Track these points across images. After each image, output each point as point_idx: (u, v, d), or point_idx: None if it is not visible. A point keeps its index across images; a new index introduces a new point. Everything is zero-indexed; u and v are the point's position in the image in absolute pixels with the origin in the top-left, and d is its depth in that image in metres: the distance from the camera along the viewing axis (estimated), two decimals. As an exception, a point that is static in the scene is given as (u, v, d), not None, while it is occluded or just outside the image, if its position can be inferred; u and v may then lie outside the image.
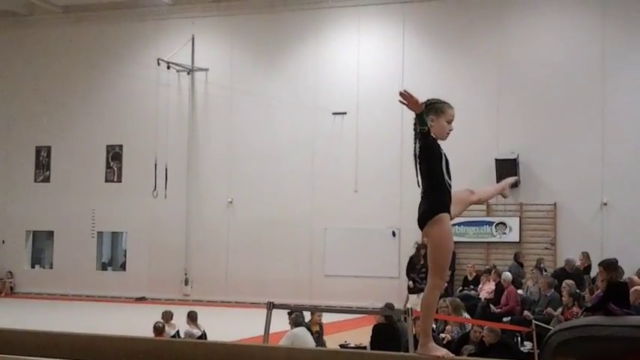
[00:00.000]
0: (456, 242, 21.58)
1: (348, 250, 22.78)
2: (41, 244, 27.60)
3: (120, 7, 26.06)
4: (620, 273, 8.95)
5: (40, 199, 26.50)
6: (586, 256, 19.41)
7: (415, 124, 4.64)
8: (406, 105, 4.48)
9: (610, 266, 8.41)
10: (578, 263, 18.98)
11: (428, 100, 4.76)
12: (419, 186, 4.68)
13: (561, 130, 21.42)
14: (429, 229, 4.59)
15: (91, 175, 26.01)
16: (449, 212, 4.62)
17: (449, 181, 4.67)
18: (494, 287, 16.64)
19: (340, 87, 23.43)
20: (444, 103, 4.79)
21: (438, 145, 4.69)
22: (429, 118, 4.65)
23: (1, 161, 27.34)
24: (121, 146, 25.97)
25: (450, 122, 4.76)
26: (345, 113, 23.41)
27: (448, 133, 4.76)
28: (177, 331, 13.21)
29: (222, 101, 24.72)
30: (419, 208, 4.65)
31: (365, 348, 11.59)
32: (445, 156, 4.69)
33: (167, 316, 13.48)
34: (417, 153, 4.65)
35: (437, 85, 21.50)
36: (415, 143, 4.66)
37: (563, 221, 21.28)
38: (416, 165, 4.67)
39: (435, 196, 4.61)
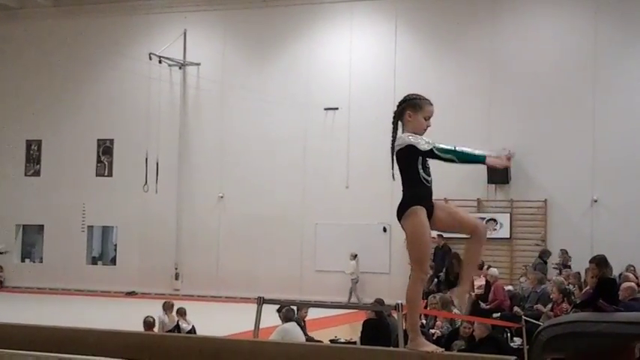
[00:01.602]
0: (446, 238, 21.71)
1: (338, 246, 22.78)
2: (31, 238, 27.52)
3: (111, 1, 25.98)
4: (610, 269, 8.98)
5: (30, 193, 26.41)
6: (564, 253, 19.48)
7: (394, 118, 4.79)
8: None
9: (601, 262, 8.44)
10: (558, 260, 19.05)
11: (407, 96, 4.85)
12: (394, 179, 4.78)
13: (553, 128, 21.47)
14: (403, 223, 4.71)
15: (81, 169, 25.94)
16: (424, 205, 4.67)
17: (425, 176, 4.72)
18: (483, 283, 16.65)
19: (332, 82, 23.42)
20: (423, 99, 4.86)
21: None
22: (406, 114, 4.75)
23: (-8, 155, 27.26)
24: (112, 140, 25.91)
25: (427, 119, 4.83)
26: (336, 109, 23.41)
27: (425, 129, 4.82)
28: (176, 325, 13.19)
29: (213, 96, 24.68)
30: None
31: (355, 343, 11.60)
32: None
33: (168, 306, 13.50)
34: (395, 148, 4.74)
35: (429, 81, 21.54)
36: (393, 137, 4.76)
37: (554, 218, 21.34)
38: (392, 158, 4.75)
39: (410, 190, 4.70)
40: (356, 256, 22.38)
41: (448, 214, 4.82)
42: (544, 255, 19.43)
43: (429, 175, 4.77)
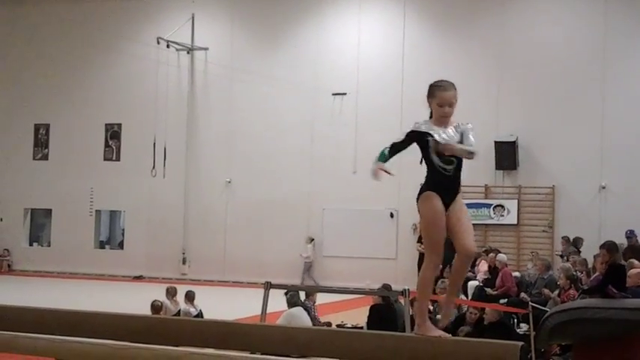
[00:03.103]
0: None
1: (346, 231, 22.81)
2: (39, 222, 27.63)
3: (119, -15, 25.95)
4: (620, 256, 8.96)
5: (38, 177, 26.48)
6: (566, 240, 19.37)
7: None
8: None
9: (612, 248, 8.42)
10: (561, 248, 18.88)
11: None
12: None
13: (561, 113, 21.39)
14: (418, 207, 4.73)
15: (89, 154, 25.98)
16: (440, 193, 4.66)
17: (441, 164, 4.70)
18: (486, 269, 16.62)
19: (340, 68, 23.36)
20: (435, 85, 4.80)
21: (428, 133, 4.72)
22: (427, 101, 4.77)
23: (0, 139, 27.30)
24: (119, 125, 25.94)
25: (441, 105, 4.74)
26: (344, 94, 23.36)
27: (442, 116, 4.75)
28: (180, 309, 13.23)
29: (221, 81, 24.65)
30: None
31: (362, 328, 11.61)
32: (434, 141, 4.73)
33: (172, 292, 13.51)
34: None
35: (437, 67, 21.44)
36: None
37: (562, 204, 21.31)
38: None
39: (427, 176, 4.76)
40: (312, 240, 23.11)
41: (455, 216, 4.75)
42: (577, 243, 18.87)
43: (447, 163, 4.71)
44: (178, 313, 12.96)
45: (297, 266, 23.03)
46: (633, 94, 21.05)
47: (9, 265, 26.63)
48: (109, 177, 25.61)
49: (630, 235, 18.50)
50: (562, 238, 19.65)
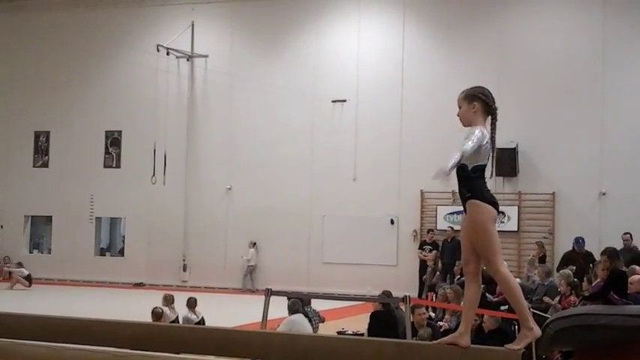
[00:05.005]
0: (455, 231, 21.64)
1: (346, 238, 22.79)
2: (40, 229, 27.60)
3: (119, -7, 26.00)
4: (622, 262, 8.94)
5: (38, 184, 26.47)
6: (540, 245, 19.31)
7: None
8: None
9: (613, 255, 8.41)
10: (533, 254, 18.76)
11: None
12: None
13: (560, 120, 21.40)
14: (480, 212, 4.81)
15: (89, 161, 25.98)
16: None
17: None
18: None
19: (340, 75, 23.38)
20: None
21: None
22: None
23: (0, 146, 27.30)
24: (120, 132, 25.94)
25: None
26: (344, 101, 23.37)
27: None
28: (177, 316, 13.22)
29: (221, 88, 24.67)
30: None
31: (362, 335, 11.59)
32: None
33: (168, 300, 13.50)
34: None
35: (436, 73, 21.53)
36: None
37: (562, 210, 21.29)
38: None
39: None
40: (255, 244, 23.52)
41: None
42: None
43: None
44: (176, 321, 12.95)
45: (297, 273, 23.01)
46: (633, 101, 21.05)
47: (9, 273, 26.55)
48: (109, 184, 25.61)
49: (580, 242, 18.43)
50: (536, 242, 19.64)
